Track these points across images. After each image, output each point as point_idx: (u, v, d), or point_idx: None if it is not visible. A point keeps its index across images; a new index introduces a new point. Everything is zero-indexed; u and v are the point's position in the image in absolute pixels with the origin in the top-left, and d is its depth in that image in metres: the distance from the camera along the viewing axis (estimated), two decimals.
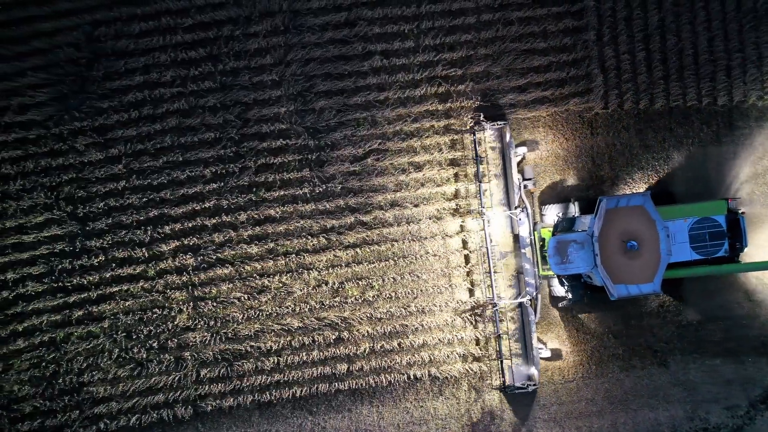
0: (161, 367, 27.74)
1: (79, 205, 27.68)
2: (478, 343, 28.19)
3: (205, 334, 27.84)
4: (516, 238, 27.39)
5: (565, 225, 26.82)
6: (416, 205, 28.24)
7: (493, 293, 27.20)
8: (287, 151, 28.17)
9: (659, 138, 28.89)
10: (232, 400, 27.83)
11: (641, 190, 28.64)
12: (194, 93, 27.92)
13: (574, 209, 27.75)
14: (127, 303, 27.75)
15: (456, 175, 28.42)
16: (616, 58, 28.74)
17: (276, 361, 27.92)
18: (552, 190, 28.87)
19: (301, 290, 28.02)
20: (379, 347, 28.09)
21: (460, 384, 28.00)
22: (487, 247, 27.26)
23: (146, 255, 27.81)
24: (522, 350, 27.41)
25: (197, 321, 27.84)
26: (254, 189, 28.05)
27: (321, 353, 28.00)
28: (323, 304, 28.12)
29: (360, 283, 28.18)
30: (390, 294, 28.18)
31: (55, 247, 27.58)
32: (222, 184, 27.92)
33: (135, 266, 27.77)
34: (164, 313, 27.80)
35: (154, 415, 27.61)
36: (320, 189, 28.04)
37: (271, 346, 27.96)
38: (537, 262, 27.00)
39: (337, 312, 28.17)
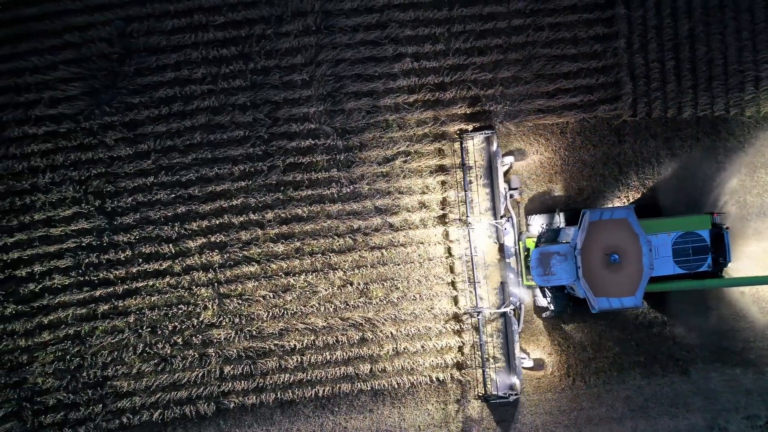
0: (185, 363, 27.84)
1: (107, 200, 27.77)
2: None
3: (230, 331, 27.92)
4: (501, 247, 27.50)
5: (550, 236, 26.79)
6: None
7: (476, 301, 27.30)
8: (316, 151, 28.25)
9: (686, 147, 28.93)
10: (254, 397, 27.92)
11: (664, 201, 28.67)
12: (225, 91, 27.99)
13: (559, 220, 27.72)
14: (152, 298, 27.83)
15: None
16: (645, 66, 28.77)
17: (299, 360, 28.01)
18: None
19: (326, 290, 28.09)
20: (402, 348, 28.19)
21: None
22: (471, 256, 27.38)
23: (173, 251, 27.89)
24: (505, 359, 27.58)
25: (222, 318, 27.92)
26: (282, 188, 28.13)
27: (344, 353, 28.08)
28: (348, 304, 28.19)
29: (385, 284, 28.26)
30: (414, 295, 28.28)
31: (82, 241, 27.67)
32: (250, 182, 28.00)
33: (161, 262, 27.86)
34: (189, 309, 27.89)
35: (177, 410, 27.72)
36: (348, 189, 28.12)
37: (294, 345, 28.04)
38: (521, 272, 27.07)
39: (362, 312, 28.25)
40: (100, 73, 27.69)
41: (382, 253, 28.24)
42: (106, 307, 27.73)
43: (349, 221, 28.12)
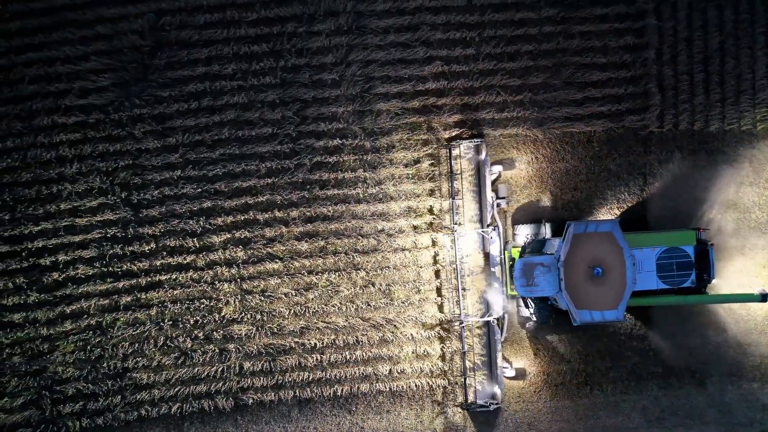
0: (205, 357, 27.90)
1: (133, 192, 27.82)
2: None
3: (251, 327, 27.98)
4: (487, 256, 27.52)
5: (535, 247, 26.83)
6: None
7: (460, 310, 27.37)
8: (343, 151, 28.30)
9: (711, 160, 28.97)
10: (273, 394, 27.99)
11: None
12: (254, 87, 28.03)
13: (544, 231, 27.73)
14: (175, 292, 27.89)
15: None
16: (674, 78, 28.83)
17: (319, 358, 28.07)
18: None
19: (348, 290, 28.15)
20: (422, 351, 28.27)
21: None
22: (456, 264, 27.45)
23: (197, 245, 27.95)
24: (488, 368, 27.65)
25: (243, 314, 27.98)
26: (308, 186, 28.18)
27: (364, 353, 28.15)
28: (369, 305, 28.26)
29: (406, 285, 28.32)
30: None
31: (107, 232, 27.72)
32: (276, 179, 28.05)
33: (185, 256, 27.91)
34: (211, 304, 27.95)
35: (196, 404, 27.79)
36: (373, 190, 28.16)
37: (315, 344, 28.11)
38: (506, 281, 27.08)
39: (383, 313, 28.30)
40: (131, 65, 27.71)
41: (404, 255, 28.32)
42: (128, 298, 27.78)
43: (373, 222, 28.17)
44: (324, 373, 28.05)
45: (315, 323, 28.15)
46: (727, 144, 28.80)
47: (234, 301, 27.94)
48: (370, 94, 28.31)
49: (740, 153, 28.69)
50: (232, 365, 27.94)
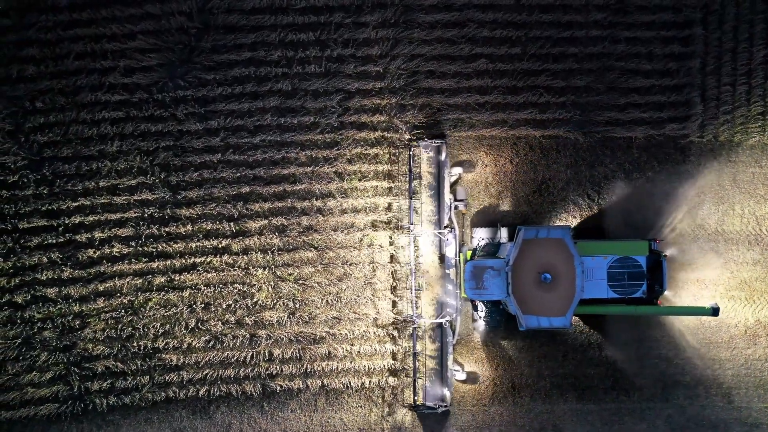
0: (235, 342, 27.89)
1: (173, 173, 27.83)
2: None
3: (282, 314, 27.98)
4: (443, 258, 27.51)
5: (490, 250, 26.80)
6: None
7: (413, 311, 27.26)
8: (383, 144, 28.30)
9: (749, 173, 28.96)
10: (300, 382, 27.99)
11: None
12: (299, 75, 28.04)
13: (500, 235, 27.71)
14: (209, 275, 27.90)
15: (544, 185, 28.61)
16: (717, 89, 28.83)
17: (348, 349, 28.06)
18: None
19: (381, 282, 28.13)
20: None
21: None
22: (411, 264, 27.39)
23: (233, 230, 27.95)
24: (439, 370, 27.54)
25: (276, 301, 27.99)
26: (347, 177, 28.17)
27: (395, 346, 28.11)
28: (402, 298, 28.22)
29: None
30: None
31: (144, 212, 27.73)
32: (315, 168, 28.05)
33: (221, 239, 27.92)
34: (244, 289, 27.95)
35: (224, 388, 27.81)
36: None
37: (345, 334, 28.09)
38: (460, 284, 26.99)
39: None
40: (177, 46, 27.72)
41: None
42: (162, 279, 27.80)
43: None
44: (353, 364, 28.03)
45: (346, 314, 28.16)
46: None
47: (267, 288, 27.94)
48: (413, 88, 28.32)
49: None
50: (262, 351, 27.94)
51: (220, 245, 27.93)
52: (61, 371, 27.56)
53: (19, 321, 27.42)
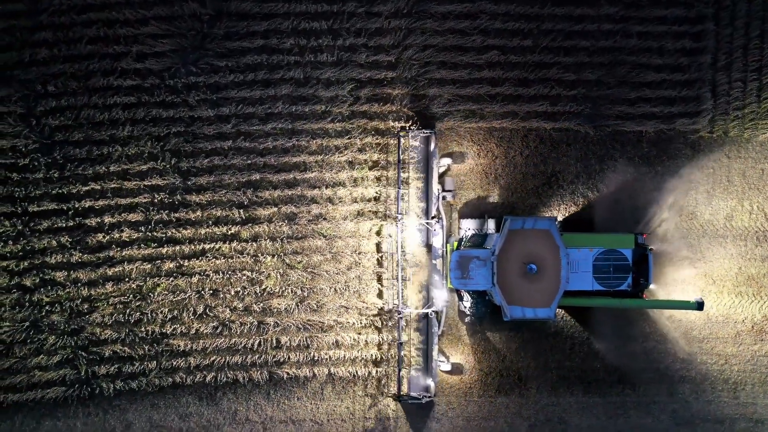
0: (243, 329, 27.92)
1: (183, 159, 27.86)
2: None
3: (291, 302, 28.02)
4: (431, 249, 27.52)
5: (477, 241, 26.84)
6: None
7: (399, 300, 27.25)
8: (393, 134, 28.32)
9: (758, 169, 29.01)
10: (307, 370, 28.03)
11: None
12: (311, 64, 28.08)
13: (487, 226, 27.77)
14: (217, 262, 27.93)
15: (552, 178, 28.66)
16: (728, 85, 28.89)
17: (356, 338, 28.09)
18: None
19: (389, 272, 28.18)
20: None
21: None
22: (398, 254, 27.34)
23: (243, 217, 27.98)
24: (423, 361, 27.56)
25: (284, 288, 28.02)
26: (356, 166, 28.21)
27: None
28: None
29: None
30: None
31: (154, 197, 27.77)
32: (325, 156, 28.09)
33: (230, 226, 27.95)
34: (253, 276, 27.98)
35: (230, 375, 27.84)
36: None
37: (353, 323, 28.12)
38: (447, 275, 26.97)
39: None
40: (190, 32, 27.75)
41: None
42: (171, 265, 27.82)
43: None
44: (359, 353, 28.06)
45: (354, 304, 28.19)
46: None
47: (276, 275, 27.97)
48: (425, 79, 28.37)
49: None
50: (270, 339, 27.98)
51: (230, 232, 27.96)
52: (68, 355, 27.59)
53: (27, 304, 27.44)
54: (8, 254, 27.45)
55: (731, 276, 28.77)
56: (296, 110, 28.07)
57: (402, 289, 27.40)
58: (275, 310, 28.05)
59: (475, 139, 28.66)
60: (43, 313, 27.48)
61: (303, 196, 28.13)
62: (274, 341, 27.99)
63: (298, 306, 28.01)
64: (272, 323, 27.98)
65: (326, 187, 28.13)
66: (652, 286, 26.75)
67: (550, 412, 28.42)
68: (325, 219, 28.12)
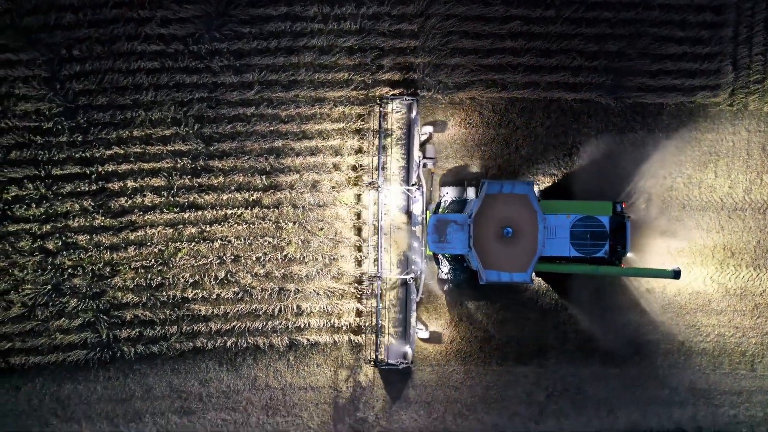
0: (264, 294, 28.04)
1: (206, 125, 27.96)
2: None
3: (311, 269, 28.12)
4: (410, 216, 27.54)
5: (455, 208, 26.88)
6: None
7: (379, 267, 27.20)
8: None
9: None
10: (327, 337, 28.14)
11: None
12: (334, 32, 28.15)
13: (466, 193, 27.85)
14: (239, 227, 28.04)
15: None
16: (748, 58, 28.99)
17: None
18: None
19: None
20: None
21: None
22: (378, 220, 27.27)
23: (265, 183, 28.09)
24: (402, 328, 27.52)
25: (305, 255, 28.13)
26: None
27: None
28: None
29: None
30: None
31: (177, 162, 27.86)
32: (347, 124, 28.17)
33: (252, 192, 28.06)
34: (274, 242, 28.09)
35: (251, 340, 27.96)
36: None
37: (372, 291, 28.17)
38: (426, 241, 26.99)
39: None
40: None
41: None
42: (193, 230, 27.93)
43: (442, 175, 28.36)
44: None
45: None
46: None
47: (297, 241, 28.07)
48: (447, 48, 28.46)
49: None
50: (290, 305, 28.08)
51: (252, 198, 28.07)
52: (90, 318, 27.70)
53: (49, 267, 27.55)
54: (31, 217, 27.55)
55: (750, 249, 28.88)
56: (319, 78, 28.17)
57: (382, 256, 27.15)
58: (296, 276, 28.15)
59: (497, 108, 28.74)
60: (65, 276, 27.59)
61: (324, 164, 28.22)
62: (295, 307, 28.09)
63: (318, 273, 28.10)
64: (293, 290, 28.08)
65: (348, 155, 28.21)
66: (629, 254, 26.80)
67: (568, 383, 28.53)
68: (347, 186, 28.19)
